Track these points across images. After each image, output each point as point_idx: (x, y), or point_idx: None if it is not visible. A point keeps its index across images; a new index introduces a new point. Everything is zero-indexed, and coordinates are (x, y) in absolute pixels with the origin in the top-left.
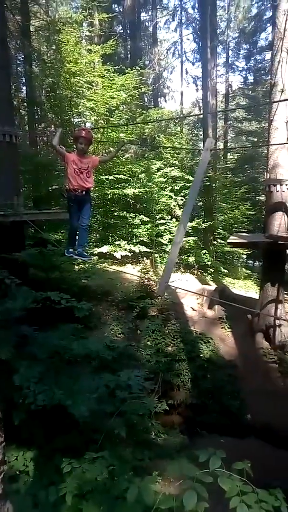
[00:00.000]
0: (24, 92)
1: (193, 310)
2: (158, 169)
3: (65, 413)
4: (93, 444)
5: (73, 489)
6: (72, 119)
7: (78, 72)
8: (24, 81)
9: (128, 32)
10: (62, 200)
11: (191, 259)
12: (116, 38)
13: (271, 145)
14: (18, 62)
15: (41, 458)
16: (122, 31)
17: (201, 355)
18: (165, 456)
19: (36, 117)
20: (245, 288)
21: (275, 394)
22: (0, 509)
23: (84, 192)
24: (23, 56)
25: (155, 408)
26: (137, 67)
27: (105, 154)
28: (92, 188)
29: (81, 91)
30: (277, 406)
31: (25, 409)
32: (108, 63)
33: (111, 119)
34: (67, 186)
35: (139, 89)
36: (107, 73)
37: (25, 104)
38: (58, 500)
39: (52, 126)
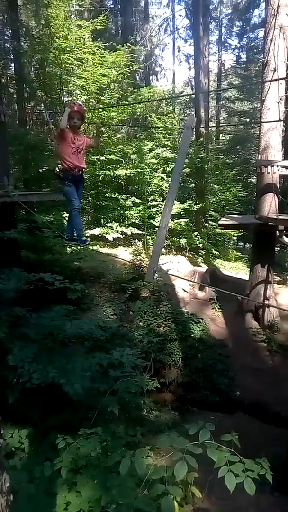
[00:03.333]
0: (13, 69)
1: (185, 291)
2: (150, 150)
3: (60, 392)
4: (87, 422)
5: (68, 464)
6: (62, 98)
7: (67, 49)
8: (12, 57)
9: (119, 7)
10: (56, 181)
11: (183, 241)
12: (106, 13)
13: (263, 122)
14: (5, 37)
15: (36, 436)
16: (112, 6)
17: (192, 335)
18: (157, 432)
19: (25, 95)
20: (235, 269)
21: (263, 371)
22: None
23: (80, 172)
24: (10, 32)
25: (147, 386)
26: (128, 44)
27: (92, 138)
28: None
29: (71, 69)
30: (265, 383)
31: (19, 388)
32: (98, 39)
33: (102, 98)
34: (64, 166)
35: (131, 67)
36: (97, 49)
37: (14, 81)
38: (53, 474)
39: (42, 105)
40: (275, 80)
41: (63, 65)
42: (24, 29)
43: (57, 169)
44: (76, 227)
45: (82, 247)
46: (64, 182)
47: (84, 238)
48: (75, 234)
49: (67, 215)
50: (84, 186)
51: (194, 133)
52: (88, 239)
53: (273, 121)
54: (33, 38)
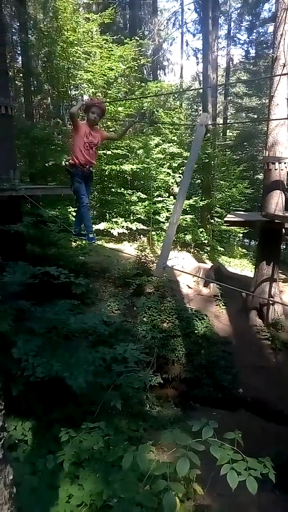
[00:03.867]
0: (20, 62)
1: (189, 287)
2: (157, 145)
3: (63, 386)
4: (90, 416)
5: (70, 457)
6: (69, 91)
7: (75, 42)
8: (19, 50)
9: (127, 0)
10: (63, 175)
11: (188, 237)
12: (115, 6)
13: (272, 120)
14: (13, 30)
15: (39, 428)
16: None
17: (196, 331)
18: (159, 427)
19: (32, 88)
20: (240, 266)
21: (266, 369)
22: (1, 472)
23: (91, 168)
24: (18, 24)
25: (150, 381)
26: (136, 38)
27: (113, 132)
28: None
29: (79, 62)
30: (268, 381)
31: (23, 381)
32: (106, 33)
33: (109, 91)
34: (74, 161)
35: (138, 61)
36: (105, 43)
37: (21, 74)
38: (56, 467)
39: (49, 98)
40: (285, 74)
41: (71, 59)
42: (32, 21)
43: (67, 163)
44: (86, 223)
45: (87, 242)
46: (74, 177)
47: (91, 235)
48: (83, 230)
49: (74, 209)
50: (92, 182)
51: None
52: (94, 235)
53: (282, 119)
54: (41, 31)
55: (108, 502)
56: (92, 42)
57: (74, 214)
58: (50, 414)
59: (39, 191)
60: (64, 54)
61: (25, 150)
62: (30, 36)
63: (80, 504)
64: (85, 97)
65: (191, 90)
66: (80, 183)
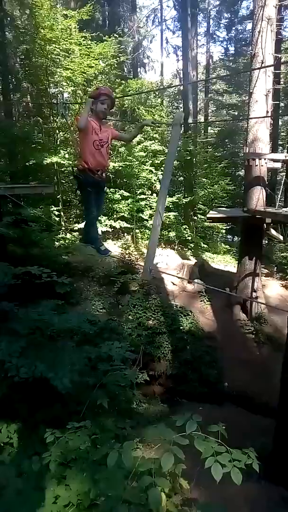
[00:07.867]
0: None
1: (174, 284)
2: (138, 143)
3: (48, 387)
4: (76, 416)
5: (56, 458)
6: (48, 89)
7: (53, 39)
8: None
9: None
10: (46, 174)
11: (172, 234)
12: (93, 2)
13: (251, 118)
14: None
15: (25, 430)
16: None
17: (181, 327)
18: (146, 424)
19: (11, 86)
20: (224, 262)
21: (250, 363)
22: None
23: (103, 173)
24: None
25: (136, 379)
26: (115, 35)
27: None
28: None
29: (57, 60)
30: (252, 374)
31: (7, 383)
32: (85, 30)
33: (89, 89)
34: (83, 165)
35: (118, 58)
36: (84, 40)
37: None
38: (42, 468)
39: (28, 96)
40: (264, 67)
41: (49, 56)
42: (8, 18)
43: (75, 169)
44: (92, 236)
45: (70, 241)
46: (82, 185)
47: (103, 248)
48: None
49: (56, 208)
50: (105, 191)
51: (183, 127)
52: (110, 251)
53: (261, 117)
54: (18, 28)
55: (96, 501)
56: (70, 39)
57: (57, 213)
58: (35, 415)
59: (19, 190)
60: (42, 52)
61: (5, 149)
62: (7, 33)
63: (67, 504)
64: (65, 95)
65: (172, 87)
66: (89, 191)
